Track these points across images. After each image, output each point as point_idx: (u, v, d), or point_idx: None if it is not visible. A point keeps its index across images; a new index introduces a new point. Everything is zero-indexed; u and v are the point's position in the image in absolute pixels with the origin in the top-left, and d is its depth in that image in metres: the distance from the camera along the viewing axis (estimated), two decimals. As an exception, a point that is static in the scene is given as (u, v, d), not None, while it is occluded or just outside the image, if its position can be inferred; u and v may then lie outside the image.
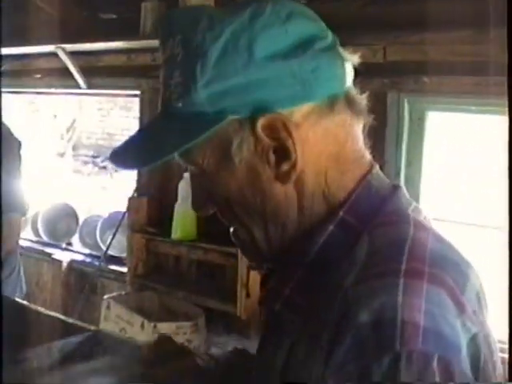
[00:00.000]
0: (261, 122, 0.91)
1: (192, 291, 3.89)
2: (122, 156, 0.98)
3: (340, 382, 0.79)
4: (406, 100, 3.22)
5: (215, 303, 3.76)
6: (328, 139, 0.95)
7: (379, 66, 3.18)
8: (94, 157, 10.45)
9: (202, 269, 4.02)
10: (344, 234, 0.94)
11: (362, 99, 0.99)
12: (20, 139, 2.67)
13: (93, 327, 1.99)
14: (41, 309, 2.15)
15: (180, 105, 0.93)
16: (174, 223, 3.90)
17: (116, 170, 9.74)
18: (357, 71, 0.99)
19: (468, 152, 3.32)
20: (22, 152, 2.67)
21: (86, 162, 10.53)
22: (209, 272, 3.97)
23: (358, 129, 0.99)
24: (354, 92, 0.98)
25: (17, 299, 2.24)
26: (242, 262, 3.48)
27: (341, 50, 0.96)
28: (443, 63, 2.98)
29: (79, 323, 2.03)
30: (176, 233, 3.90)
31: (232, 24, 0.91)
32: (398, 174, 3.16)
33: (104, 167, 10.25)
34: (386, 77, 3.21)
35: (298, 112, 0.92)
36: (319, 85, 0.92)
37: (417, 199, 3.17)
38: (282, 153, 0.92)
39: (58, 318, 2.08)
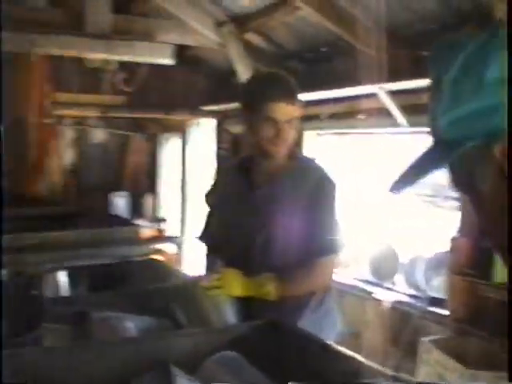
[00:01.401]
0: (497, 149, 0.87)
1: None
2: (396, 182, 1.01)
3: None
4: None
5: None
6: None
7: None
8: (432, 196, 10.39)
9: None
10: None
11: None
12: (335, 181, 2.76)
13: (390, 372, 1.93)
14: (341, 348, 2.14)
15: (430, 133, 0.96)
16: (497, 266, 3.72)
17: (451, 209, 9.56)
18: None
19: None
20: (336, 194, 2.75)
21: (425, 202, 10.50)
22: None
23: None
24: None
25: (319, 338, 2.25)
26: None
27: None
28: None
29: (376, 367, 1.98)
30: (499, 276, 3.72)
31: (465, 50, 0.89)
32: None
33: (440, 206, 10.12)
34: None
35: None
36: None
37: None
38: None
39: (356, 359, 2.05)
